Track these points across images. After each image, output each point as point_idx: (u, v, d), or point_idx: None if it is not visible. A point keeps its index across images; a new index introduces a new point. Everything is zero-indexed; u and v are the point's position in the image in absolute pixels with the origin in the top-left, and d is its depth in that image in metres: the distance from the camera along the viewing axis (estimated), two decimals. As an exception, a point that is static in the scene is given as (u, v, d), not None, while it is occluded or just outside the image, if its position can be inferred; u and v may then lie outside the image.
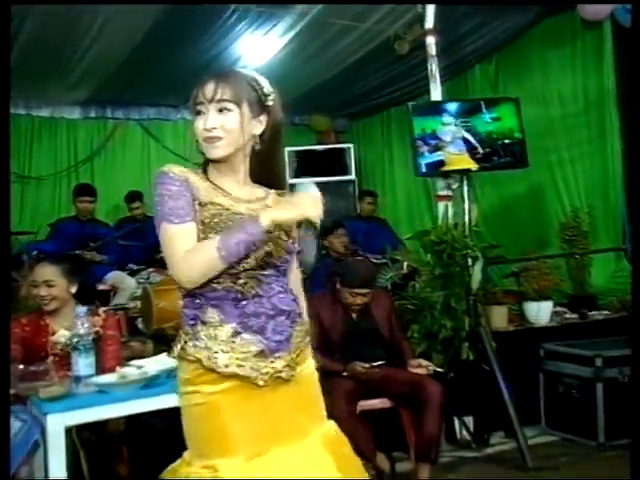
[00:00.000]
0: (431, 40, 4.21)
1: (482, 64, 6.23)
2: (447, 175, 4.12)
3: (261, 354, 1.49)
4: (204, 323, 1.50)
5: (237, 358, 1.47)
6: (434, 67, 4.21)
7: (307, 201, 1.48)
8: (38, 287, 2.75)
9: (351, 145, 7.16)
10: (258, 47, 5.19)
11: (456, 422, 3.88)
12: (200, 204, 1.51)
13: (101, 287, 5.10)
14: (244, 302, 1.50)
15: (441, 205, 4.19)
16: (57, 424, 1.99)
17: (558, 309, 4.55)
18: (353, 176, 7.04)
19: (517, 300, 4.45)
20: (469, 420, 3.88)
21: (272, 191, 1.66)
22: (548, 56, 5.62)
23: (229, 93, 1.53)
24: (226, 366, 1.47)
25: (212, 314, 1.50)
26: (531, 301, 4.33)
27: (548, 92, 5.62)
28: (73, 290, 2.79)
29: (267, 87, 1.61)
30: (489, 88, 6.16)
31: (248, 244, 1.44)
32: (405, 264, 4.95)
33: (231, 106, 1.53)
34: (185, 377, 1.52)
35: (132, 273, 5.35)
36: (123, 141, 6.80)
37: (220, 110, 1.53)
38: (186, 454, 1.53)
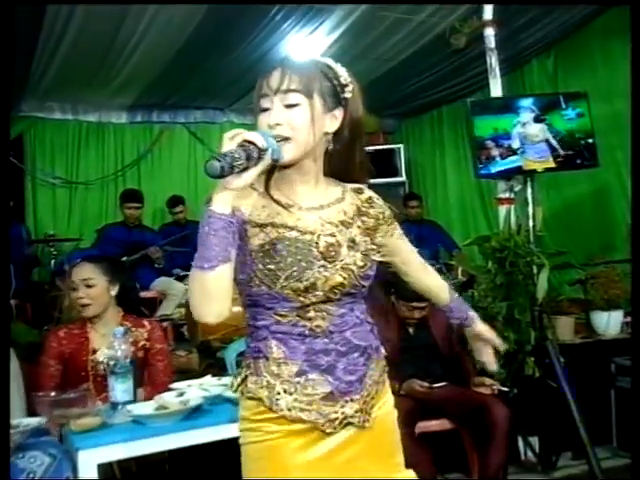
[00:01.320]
0: (490, 32, 3.95)
1: (540, 58, 5.94)
2: (509, 177, 3.85)
3: (329, 397, 1.30)
4: (267, 358, 1.32)
5: (301, 401, 1.29)
6: (493, 61, 3.95)
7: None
8: (77, 289, 2.55)
9: (401, 145, 6.95)
10: (304, 46, 5.03)
11: (520, 442, 3.63)
12: (257, 225, 1.31)
13: (148, 295, 5.03)
14: (313, 338, 1.31)
15: (502, 209, 3.92)
16: (89, 461, 1.82)
17: (629, 319, 4.24)
18: (403, 177, 6.84)
19: (584, 310, 4.17)
20: (534, 440, 3.62)
21: (349, 187, 1.44)
22: (613, 48, 5.30)
23: (297, 82, 1.30)
24: (289, 410, 1.28)
25: (276, 349, 1.31)
26: (599, 311, 4.03)
27: (614, 86, 5.28)
28: (114, 292, 2.58)
29: (345, 76, 1.38)
30: (547, 83, 5.88)
31: (214, 239, 1.21)
32: (460, 270, 4.70)
33: (299, 98, 1.30)
34: (244, 414, 1.34)
35: (178, 279, 5.26)
36: (169, 145, 6.77)
37: (287, 105, 1.30)
38: None
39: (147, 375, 2.52)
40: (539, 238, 3.95)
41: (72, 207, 6.30)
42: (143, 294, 4.71)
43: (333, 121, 1.35)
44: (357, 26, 4.66)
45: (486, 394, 3.03)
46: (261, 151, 1.22)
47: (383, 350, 1.44)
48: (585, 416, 3.39)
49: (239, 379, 1.35)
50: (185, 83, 5.80)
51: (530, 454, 3.61)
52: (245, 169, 1.20)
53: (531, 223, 3.73)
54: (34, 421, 1.98)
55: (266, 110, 1.32)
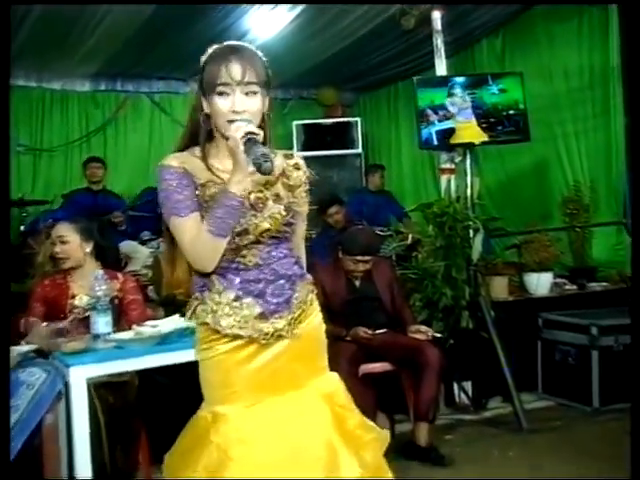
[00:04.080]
0: (437, 15, 4.27)
1: (489, 38, 6.27)
2: (451, 149, 4.21)
3: (261, 316, 1.61)
4: (210, 290, 1.62)
5: (239, 321, 1.60)
6: (439, 42, 4.28)
7: (232, 146, 1.52)
8: (54, 245, 2.86)
9: (358, 119, 7.23)
10: (266, 21, 5.25)
11: (455, 387, 4.03)
12: (202, 185, 1.60)
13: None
14: (245, 271, 1.62)
15: (444, 178, 4.29)
16: (79, 376, 2.16)
17: (558, 280, 4.66)
18: (360, 149, 7.13)
19: (518, 271, 4.56)
20: (468, 385, 4.03)
21: (280, 153, 1.73)
22: (554, 31, 5.66)
23: (255, 76, 1.57)
24: (230, 328, 1.60)
25: (217, 282, 1.61)
26: (531, 272, 4.45)
27: (554, 66, 5.67)
28: (88, 249, 2.86)
29: (266, 62, 1.63)
30: (496, 62, 6.21)
31: (232, 214, 1.53)
32: (410, 236, 5.07)
33: (257, 89, 1.57)
34: (198, 337, 1.68)
35: (143, 242, 5.51)
36: (133, 113, 6.92)
37: (246, 93, 1.56)
38: (203, 403, 1.68)
39: (124, 323, 2.78)
40: (481, 206, 4.34)
41: (36, 174, 6.45)
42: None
43: (267, 103, 1.63)
44: (315, 5, 4.91)
45: (421, 339, 3.41)
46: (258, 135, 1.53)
47: (309, 277, 1.76)
48: (514, 364, 3.81)
49: (191, 309, 1.67)
50: (149, 54, 5.95)
51: (464, 397, 4.03)
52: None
53: (469, 192, 4.10)
54: (26, 347, 2.34)
55: (224, 94, 1.56)
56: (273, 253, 1.65)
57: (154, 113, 6.99)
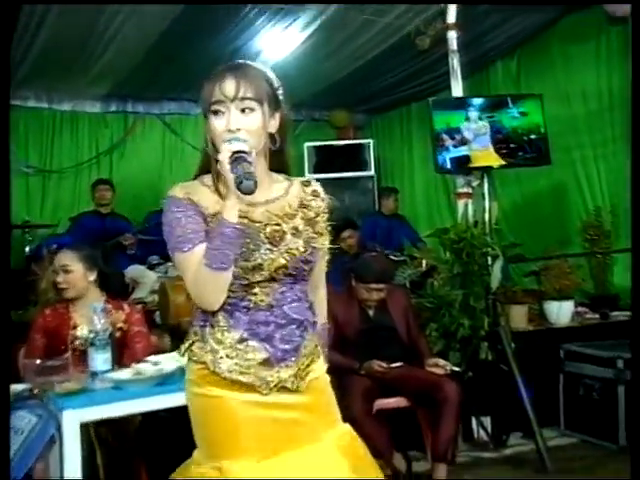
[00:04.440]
0: (452, 35, 4.16)
1: (504, 60, 6.18)
2: (468, 172, 4.08)
3: (266, 362, 1.47)
4: (213, 326, 1.48)
5: (241, 365, 1.45)
6: (455, 62, 4.16)
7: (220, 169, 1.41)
8: (57, 274, 2.76)
9: (371, 141, 7.14)
10: (278, 42, 5.19)
11: (474, 422, 3.85)
12: (212, 216, 1.46)
13: (120, 281, 5.15)
14: (255, 311, 1.48)
15: (461, 203, 4.16)
16: (73, 420, 2.00)
17: (579, 309, 4.49)
18: (372, 172, 7.03)
19: (537, 299, 4.40)
20: (487, 420, 3.84)
21: (296, 180, 1.60)
22: (572, 52, 5.56)
23: (252, 91, 1.45)
24: (229, 372, 1.45)
25: (222, 319, 1.47)
26: (552, 301, 4.28)
27: (571, 89, 5.56)
28: (91, 278, 2.77)
29: (276, 81, 1.53)
30: (511, 84, 6.12)
31: (227, 243, 1.39)
32: (424, 262, 4.93)
33: (254, 105, 1.45)
34: (191, 378, 1.51)
35: (151, 267, 5.40)
36: (143, 135, 6.85)
37: (242, 110, 1.45)
38: (196, 453, 1.52)
39: (127, 356, 2.67)
40: (497, 231, 4.19)
41: (45, 195, 6.36)
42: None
43: (274, 123, 1.51)
44: (328, 25, 4.83)
45: (439, 374, 3.24)
46: (248, 154, 1.41)
47: (320, 325, 1.62)
48: (534, 398, 3.62)
49: (187, 344, 1.52)
50: (160, 75, 5.91)
51: (482, 433, 3.84)
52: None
53: (487, 216, 3.95)
54: (20, 387, 2.17)
55: (218, 113, 1.45)
56: (287, 294, 1.50)
57: (165, 134, 6.92)
